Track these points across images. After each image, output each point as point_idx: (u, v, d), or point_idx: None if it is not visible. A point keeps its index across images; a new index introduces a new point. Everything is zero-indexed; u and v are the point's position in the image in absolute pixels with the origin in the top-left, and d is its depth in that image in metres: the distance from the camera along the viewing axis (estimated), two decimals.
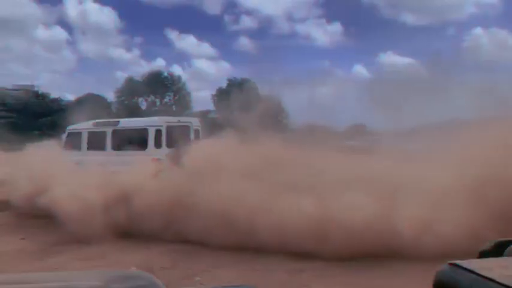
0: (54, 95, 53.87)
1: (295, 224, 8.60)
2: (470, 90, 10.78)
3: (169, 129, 13.66)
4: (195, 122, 14.95)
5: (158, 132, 13.61)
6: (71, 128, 15.55)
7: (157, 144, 13.53)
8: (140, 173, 11.13)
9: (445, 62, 12.22)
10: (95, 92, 52.47)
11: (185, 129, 14.06)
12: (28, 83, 54.65)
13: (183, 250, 9.11)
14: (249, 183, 9.63)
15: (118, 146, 14.01)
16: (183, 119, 15.76)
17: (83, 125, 15.28)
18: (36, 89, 53.67)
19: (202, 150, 11.32)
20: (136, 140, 13.70)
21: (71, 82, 69.53)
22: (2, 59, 66.71)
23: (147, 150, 13.42)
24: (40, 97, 51.33)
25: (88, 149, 14.63)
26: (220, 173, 10.10)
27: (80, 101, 43.53)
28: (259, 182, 9.69)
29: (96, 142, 14.46)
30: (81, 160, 13.47)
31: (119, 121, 15.25)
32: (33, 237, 10.38)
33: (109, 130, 14.42)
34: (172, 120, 14.95)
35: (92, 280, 1.34)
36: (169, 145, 13.28)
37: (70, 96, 55.24)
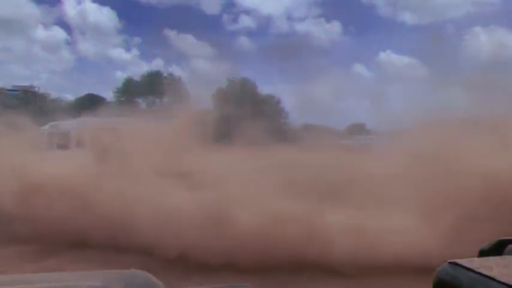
0: (53, 95, 53.80)
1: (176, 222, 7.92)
2: (468, 87, 10.75)
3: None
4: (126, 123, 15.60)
5: (79, 134, 15.30)
6: (42, 129, 17.07)
7: (79, 145, 15.06)
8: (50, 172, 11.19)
9: (444, 59, 12.17)
10: (95, 92, 52.45)
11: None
12: (27, 83, 54.56)
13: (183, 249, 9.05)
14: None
15: (58, 145, 16.00)
16: (110, 120, 16.62)
17: (46, 127, 17.06)
18: (35, 89, 53.55)
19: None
20: (65, 141, 15.73)
21: (70, 82, 69.40)
22: (1, 59, 66.58)
23: (70, 149, 15.26)
24: (40, 97, 51.15)
25: (48, 147, 16.23)
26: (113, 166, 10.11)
27: (78, 101, 43.51)
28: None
29: (51, 142, 16.39)
30: (43, 158, 14.22)
31: (57, 123, 16.96)
32: (32, 238, 10.34)
33: (53, 131, 16.45)
34: (97, 121, 16.23)
35: (92, 280, 1.34)
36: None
37: (69, 97, 55.14)
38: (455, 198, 7.46)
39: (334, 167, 9.59)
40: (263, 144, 11.45)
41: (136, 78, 55.53)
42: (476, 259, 1.39)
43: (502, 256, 1.49)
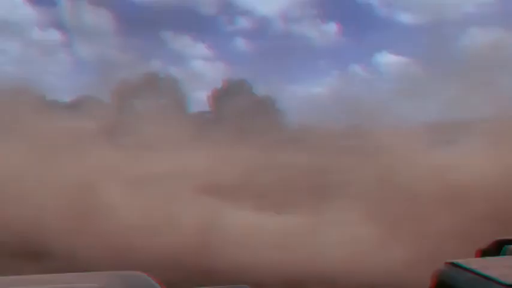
0: (50, 97, 53.63)
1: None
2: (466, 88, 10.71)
3: None
4: None
5: None
6: None
7: None
8: None
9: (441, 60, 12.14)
10: (91, 94, 52.33)
11: None
12: (24, 85, 54.38)
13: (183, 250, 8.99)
14: None
15: None
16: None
17: None
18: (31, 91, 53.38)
19: None
20: None
21: (66, 84, 69.25)
22: None
23: None
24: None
25: None
26: None
27: (75, 103, 43.30)
28: None
29: None
30: None
31: None
32: (32, 238, 10.29)
33: None
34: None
35: (91, 281, 1.34)
36: None
37: (66, 98, 54.97)
38: (408, 202, 7.14)
39: (296, 168, 9.43)
40: (237, 144, 11.32)
41: (133, 79, 55.52)
42: (475, 259, 1.40)
43: (500, 256, 1.50)
